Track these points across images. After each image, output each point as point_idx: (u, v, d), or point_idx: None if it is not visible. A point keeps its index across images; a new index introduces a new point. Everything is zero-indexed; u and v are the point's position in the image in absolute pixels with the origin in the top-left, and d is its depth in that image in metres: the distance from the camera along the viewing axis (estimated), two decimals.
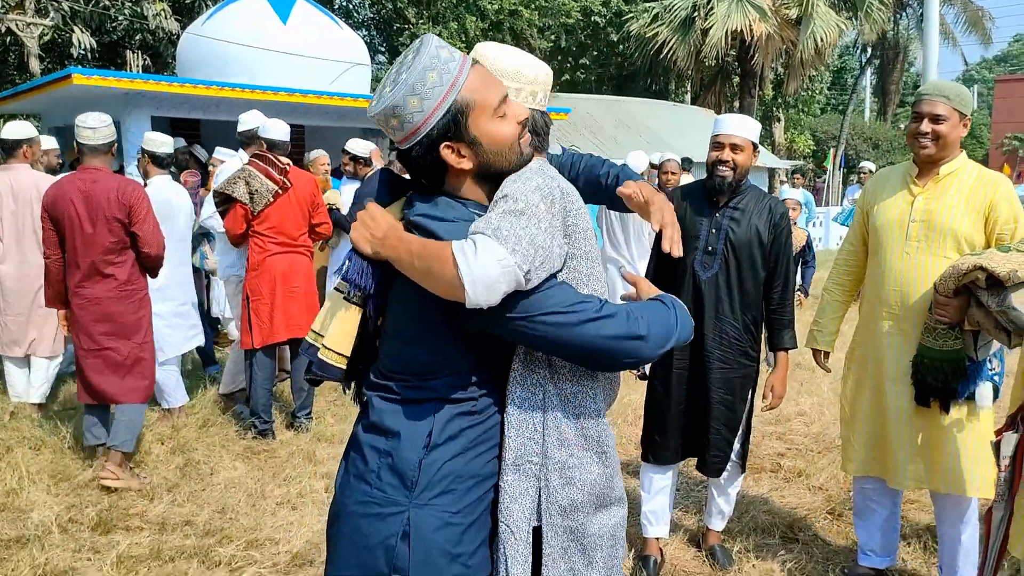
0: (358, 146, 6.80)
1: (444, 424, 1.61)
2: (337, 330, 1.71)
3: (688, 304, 2.87)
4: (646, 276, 3.47)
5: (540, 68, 1.87)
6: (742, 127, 3.36)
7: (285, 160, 5.24)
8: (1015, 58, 67.24)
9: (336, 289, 1.74)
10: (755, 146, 3.40)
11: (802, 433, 5.40)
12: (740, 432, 3.47)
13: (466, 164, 1.62)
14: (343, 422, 5.47)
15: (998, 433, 2.62)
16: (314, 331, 1.75)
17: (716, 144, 3.37)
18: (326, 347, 1.71)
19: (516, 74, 1.80)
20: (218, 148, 6.91)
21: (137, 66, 12.93)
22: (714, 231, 3.37)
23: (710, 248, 3.36)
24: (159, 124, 9.22)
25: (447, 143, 1.59)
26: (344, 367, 1.72)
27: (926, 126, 3.03)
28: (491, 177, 1.65)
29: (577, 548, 1.76)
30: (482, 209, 1.63)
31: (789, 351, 3.51)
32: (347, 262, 1.69)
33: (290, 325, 5.11)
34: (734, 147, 3.33)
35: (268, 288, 5.07)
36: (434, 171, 1.64)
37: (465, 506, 1.62)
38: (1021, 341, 2.69)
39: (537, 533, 1.75)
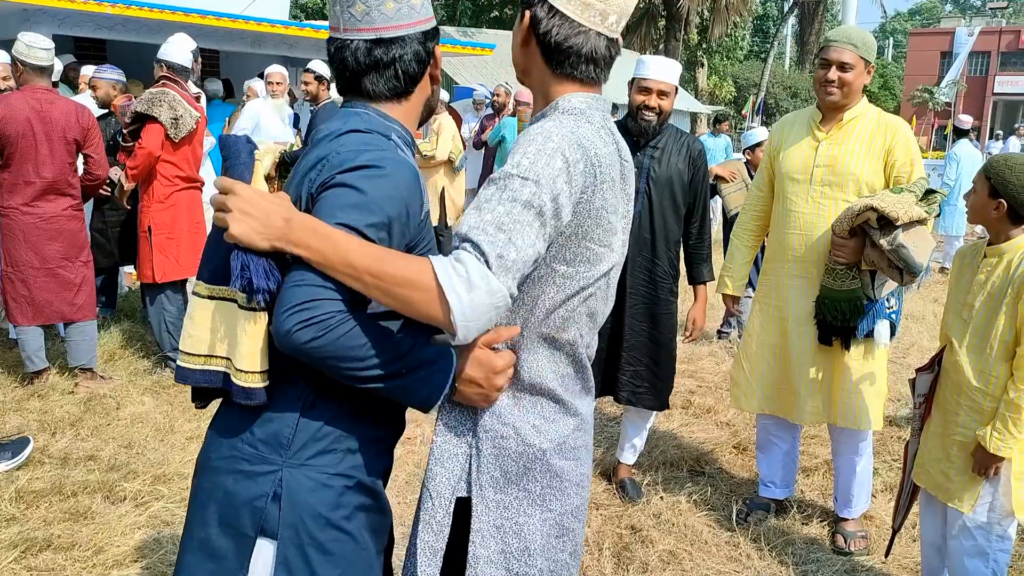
0: (322, 66, 6.54)
1: (325, 381, 1.40)
2: (248, 349, 1.39)
3: None
4: None
5: None
6: (669, 72, 3.38)
7: (196, 89, 5.03)
8: (928, 11, 69.15)
9: (226, 299, 1.42)
10: (676, 88, 3.43)
11: (712, 371, 5.57)
12: (671, 368, 3.58)
13: (437, 74, 1.58)
14: None
15: (917, 372, 2.76)
16: (215, 357, 1.44)
17: (643, 89, 3.38)
18: (241, 371, 1.40)
19: None
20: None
21: None
22: (636, 171, 3.39)
23: None
24: (62, 44, 8.63)
25: (436, 45, 1.56)
26: (267, 383, 1.41)
27: (833, 74, 3.07)
28: (426, 110, 1.61)
29: (511, 528, 1.53)
30: (408, 135, 1.55)
31: (707, 283, 3.64)
32: (238, 266, 1.33)
33: (198, 261, 4.92)
34: (662, 93, 3.36)
35: (174, 222, 4.87)
36: (419, 68, 1.52)
37: (349, 467, 1.46)
38: (913, 279, 2.83)
39: (467, 505, 1.54)
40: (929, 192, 2.93)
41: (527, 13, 1.54)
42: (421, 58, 1.52)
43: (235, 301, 1.42)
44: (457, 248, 1.32)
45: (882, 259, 2.89)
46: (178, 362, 1.47)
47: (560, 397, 1.56)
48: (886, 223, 2.83)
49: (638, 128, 3.39)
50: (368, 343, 1.32)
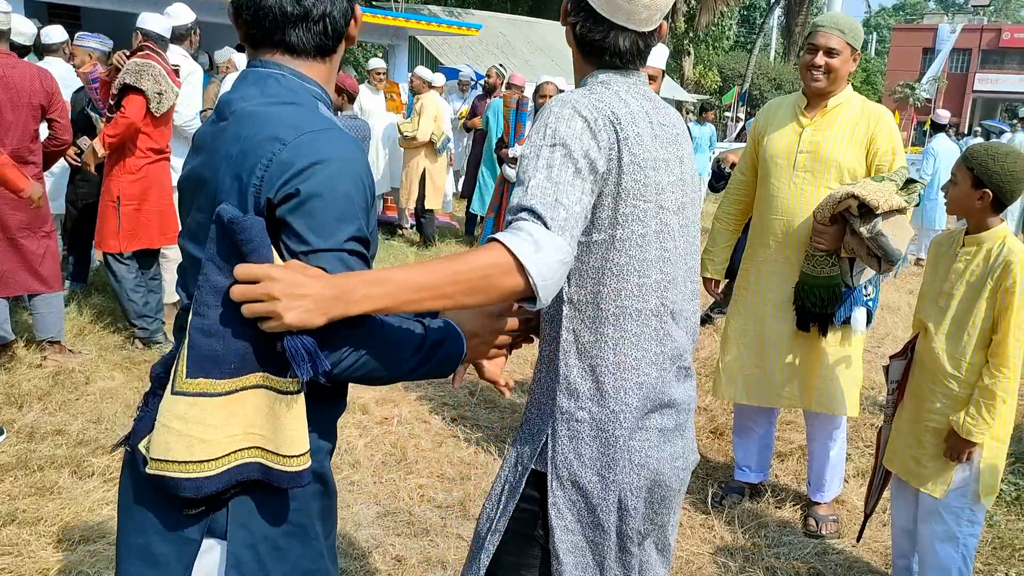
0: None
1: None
2: (297, 431, 1.28)
3: None
4: None
5: None
6: (655, 57, 3.34)
7: (174, 62, 4.92)
8: (912, 7, 69.55)
9: (255, 387, 1.28)
10: (663, 72, 3.40)
11: (692, 357, 5.56)
12: None
13: (355, 33, 1.45)
14: None
15: (891, 358, 2.76)
16: (242, 450, 1.28)
17: None
18: (290, 456, 1.28)
19: None
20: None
21: None
22: None
23: None
24: (35, 9, 8.45)
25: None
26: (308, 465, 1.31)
27: (820, 59, 3.05)
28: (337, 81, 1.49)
29: (586, 507, 1.61)
30: (324, 93, 1.43)
31: None
32: (301, 353, 1.22)
33: (166, 232, 4.91)
34: (649, 78, 3.31)
35: (144, 194, 4.80)
36: (343, 23, 1.41)
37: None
38: (890, 268, 2.83)
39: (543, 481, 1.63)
40: (910, 181, 2.93)
41: (566, 3, 1.62)
42: (348, 13, 1.42)
43: (269, 387, 1.28)
44: (512, 221, 1.38)
45: (861, 247, 2.89)
46: (182, 476, 1.25)
47: (647, 381, 1.60)
48: (866, 211, 2.82)
49: None
50: (394, 349, 1.32)
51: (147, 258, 4.97)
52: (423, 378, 1.41)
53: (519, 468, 1.67)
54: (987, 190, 2.44)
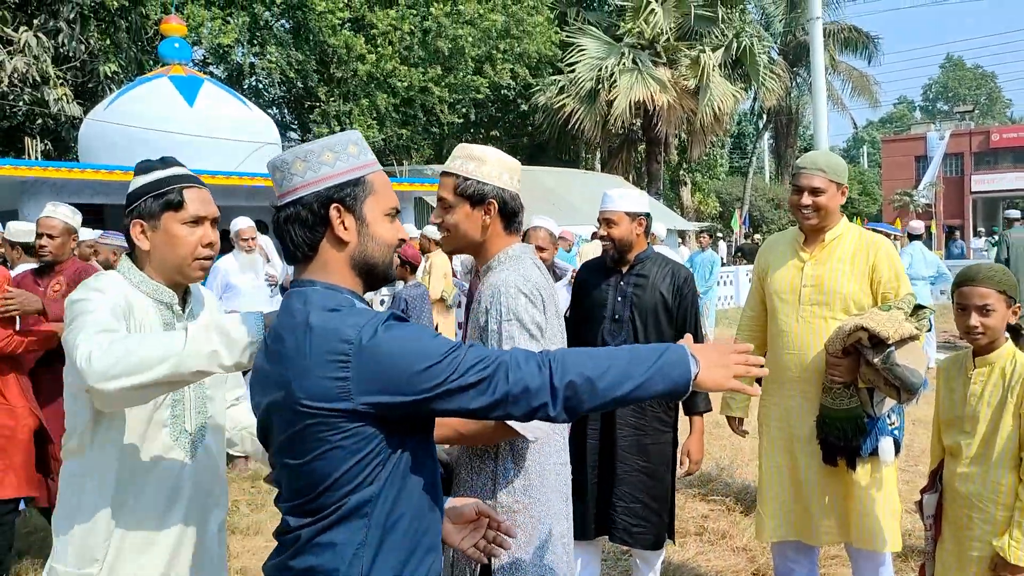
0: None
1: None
2: None
3: None
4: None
5: (506, 156, 2.29)
6: (612, 202, 3.49)
7: None
8: (899, 119, 71.96)
9: None
10: (636, 215, 3.47)
11: (724, 492, 5.45)
12: (668, 501, 3.47)
13: (346, 235, 1.57)
14: (259, 511, 5.26)
15: (921, 493, 2.71)
16: None
17: (602, 221, 3.54)
18: None
19: (483, 155, 2.23)
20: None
21: (37, 152, 12.57)
22: (619, 299, 3.45)
23: (616, 316, 3.45)
24: None
25: (336, 204, 1.56)
26: None
27: (806, 199, 3.16)
28: (364, 271, 1.61)
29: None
30: (358, 299, 1.59)
31: (704, 414, 3.57)
32: None
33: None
34: (608, 222, 3.47)
35: None
36: (307, 233, 1.56)
37: None
38: (911, 397, 2.80)
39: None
40: (918, 307, 2.96)
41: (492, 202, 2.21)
42: (310, 221, 1.56)
43: None
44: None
45: (878, 377, 2.88)
46: None
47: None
48: (878, 342, 2.84)
49: (607, 259, 3.54)
50: (605, 377, 1.50)
51: None
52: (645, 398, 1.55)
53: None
54: (1017, 304, 2.49)
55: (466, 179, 2.21)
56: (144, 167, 2.08)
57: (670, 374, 1.51)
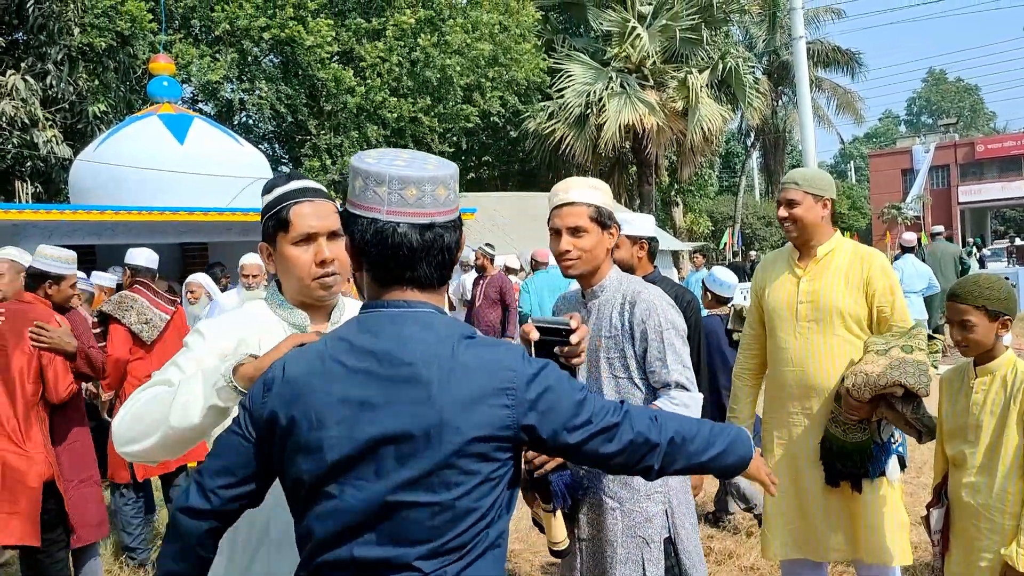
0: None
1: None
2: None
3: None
4: None
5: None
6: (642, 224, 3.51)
7: (164, 285, 5.25)
8: (883, 134, 72.60)
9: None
10: (636, 239, 3.53)
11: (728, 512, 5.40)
12: None
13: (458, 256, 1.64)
14: None
15: (928, 508, 2.69)
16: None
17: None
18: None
19: (599, 185, 2.59)
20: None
21: (27, 194, 12.56)
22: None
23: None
24: None
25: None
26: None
27: (783, 211, 3.22)
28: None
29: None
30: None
31: None
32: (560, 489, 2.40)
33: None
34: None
35: None
36: (449, 255, 1.51)
37: None
38: (931, 438, 2.78)
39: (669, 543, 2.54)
40: (930, 337, 2.97)
41: None
42: (459, 241, 1.52)
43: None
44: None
45: (899, 419, 2.85)
46: None
47: None
48: (910, 393, 2.78)
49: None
50: (695, 441, 1.59)
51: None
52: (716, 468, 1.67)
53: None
54: (1006, 316, 2.49)
55: (599, 207, 2.54)
56: (268, 185, 1.97)
57: (738, 450, 1.66)
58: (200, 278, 6.38)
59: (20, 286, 4.07)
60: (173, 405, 1.65)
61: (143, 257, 5.36)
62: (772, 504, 3.28)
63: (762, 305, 3.39)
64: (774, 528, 3.27)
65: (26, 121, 12.10)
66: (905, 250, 10.52)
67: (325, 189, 1.96)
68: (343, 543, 1.40)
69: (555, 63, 20.77)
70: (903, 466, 3.09)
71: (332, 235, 1.89)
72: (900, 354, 2.86)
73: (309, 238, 1.87)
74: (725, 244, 28.60)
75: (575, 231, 2.54)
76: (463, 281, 9.76)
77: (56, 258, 4.11)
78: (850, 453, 3.00)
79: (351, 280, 1.77)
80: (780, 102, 32.20)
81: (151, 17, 14.39)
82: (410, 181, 1.45)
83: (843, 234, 3.32)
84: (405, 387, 1.39)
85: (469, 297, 9.23)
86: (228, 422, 1.59)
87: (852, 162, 64.79)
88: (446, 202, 1.48)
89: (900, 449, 3.08)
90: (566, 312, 2.72)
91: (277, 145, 21.97)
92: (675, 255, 23.59)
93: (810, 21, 29.26)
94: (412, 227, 1.44)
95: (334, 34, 16.43)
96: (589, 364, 2.62)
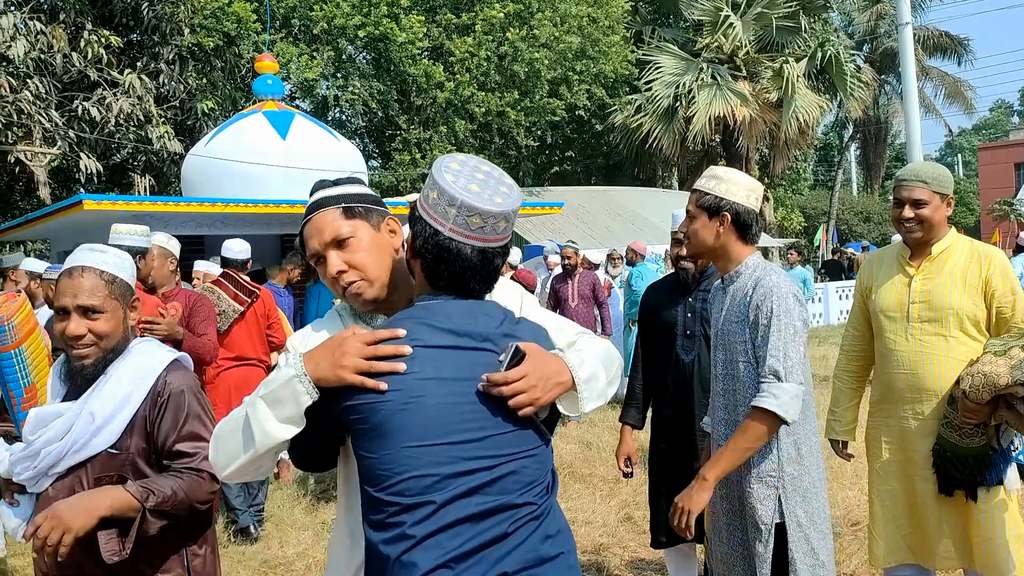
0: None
1: None
2: None
3: (675, 386, 3.47)
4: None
5: (747, 177, 2.68)
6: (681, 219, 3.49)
7: (245, 278, 5.60)
8: (994, 125, 68.88)
9: None
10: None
11: None
12: None
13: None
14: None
15: None
16: None
17: (673, 240, 3.64)
18: None
19: (723, 175, 2.66)
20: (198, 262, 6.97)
21: (143, 187, 13.26)
22: (690, 315, 3.49)
23: (688, 332, 3.51)
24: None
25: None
26: None
27: (908, 212, 3.05)
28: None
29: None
30: None
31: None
32: None
33: None
34: (679, 242, 3.56)
35: (223, 400, 5.25)
36: (496, 273, 1.72)
37: None
38: None
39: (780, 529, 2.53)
40: None
41: None
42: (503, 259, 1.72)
43: None
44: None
45: (1021, 422, 2.75)
46: None
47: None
48: None
49: (677, 278, 3.65)
50: None
51: None
52: None
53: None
54: None
55: (705, 194, 2.63)
56: (312, 193, 1.92)
57: None
58: (203, 265, 6.66)
59: (168, 272, 4.43)
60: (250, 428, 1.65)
61: (232, 250, 5.88)
62: (882, 510, 3.21)
63: (867, 305, 3.30)
64: (882, 534, 3.19)
65: (141, 118, 12.77)
66: (1021, 249, 10.04)
67: (326, 193, 1.87)
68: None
69: (644, 55, 20.50)
70: (1022, 475, 2.98)
71: (338, 244, 1.79)
72: (1021, 354, 2.75)
73: (318, 257, 1.82)
74: (820, 241, 27.71)
75: (688, 214, 2.74)
76: (548, 280, 9.72)
77: (136, 233, 4.43)
78: (966, 459, 2.91)
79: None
80: (882, 91, 30.95)
81: (255, 17, 14.94)
82: (477, 211, 1.60)
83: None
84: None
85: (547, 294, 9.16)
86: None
87: (960, 155, 61.74)
88: (504, 232, 1.65)
89: (1021, 457, 2.97)
90: (712, 299, 2.87)
91: (368, 139, 22.48)
92: (764, 251, 23.05)
93: (915, 6, 28.01)
94: (470, 248, 1.61)
95: (425, 30, 16.68)
96: (726, 349, 2.67)
